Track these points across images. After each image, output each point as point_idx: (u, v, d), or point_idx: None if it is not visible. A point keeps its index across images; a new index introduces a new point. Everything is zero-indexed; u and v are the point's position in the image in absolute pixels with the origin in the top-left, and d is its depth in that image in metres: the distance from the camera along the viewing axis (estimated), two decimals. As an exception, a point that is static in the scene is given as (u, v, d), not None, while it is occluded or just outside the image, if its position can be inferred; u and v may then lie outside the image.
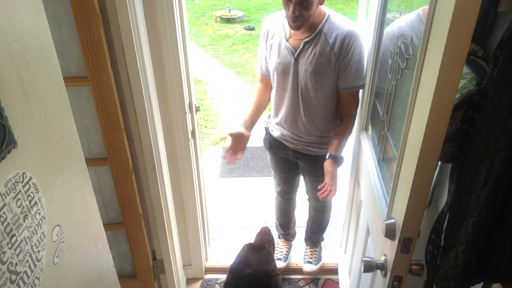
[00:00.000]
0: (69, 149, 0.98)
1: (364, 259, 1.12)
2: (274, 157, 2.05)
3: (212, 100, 5.04)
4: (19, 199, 0.76)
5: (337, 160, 1.78)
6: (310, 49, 1.62)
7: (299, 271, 2.31)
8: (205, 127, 4.34)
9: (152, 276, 1.94)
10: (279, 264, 2.25)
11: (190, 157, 1.94)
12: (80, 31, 1.33)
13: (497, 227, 0.77)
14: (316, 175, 1.92)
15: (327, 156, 1.79)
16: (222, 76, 5.83)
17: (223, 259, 2.41)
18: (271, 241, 1.81)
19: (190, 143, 1.91)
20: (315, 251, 2.33)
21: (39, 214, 0.82)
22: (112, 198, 1.71)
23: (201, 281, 2.31)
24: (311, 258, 2.31)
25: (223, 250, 2.49)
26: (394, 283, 0.99)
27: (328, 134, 1.80)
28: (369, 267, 1.10)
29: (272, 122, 1.92)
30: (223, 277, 2.30)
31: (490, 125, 0.74)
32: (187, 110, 1.82)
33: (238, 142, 1.84)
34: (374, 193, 1.38)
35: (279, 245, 2.37)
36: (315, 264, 2.28)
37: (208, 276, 2.34)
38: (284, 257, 2.33)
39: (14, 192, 0.74)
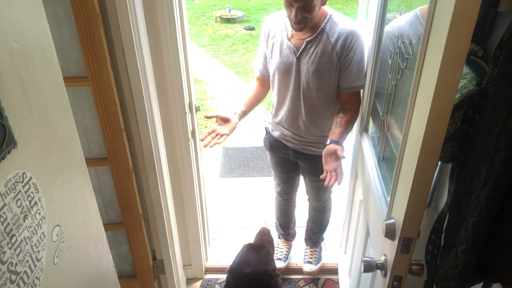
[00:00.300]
0: (69, 149, 0.98)
1: (364, 259, 1.11)
2: (274, 157, 2.05)
3: (212, 100, 5.04)
4: (19, 199, 0.76)
5: (336, 144, 1.66)
6: (312, 48, 1.62)
7: (299, 271, 2.31)
8: (205, 127, 4.33)
9: (152, 276, 1.94)
10: (279, 264, 2.25)
11: (190, 157, 1.94)
12: (80, 31, 1.33)
13: (497, 227, 0.77)
14: (316, 175, 1.91)
15: (327, 142, 1.67)
16: (222, 76, 5.83)
17: (223, 259, 2.41)
18: (270, 241, 1.81)
19: (190, 143, 1.91)
20: (315, 251, 2.33)
21: (39, 214, 0.82)
22: (112, 198, 1.71)
23: (201, 281, 2.31)
24: (311, 258, 2.31)
25: (223, 250, 2.49)
26: (394, 283, 0.99)
27: (328, 134, 1.80)
28: (369, 267, 1.10)
29: (273, 122, 1.92)
30: (223, 277, 2.30)
31: (490, 125, 0.74)
32: (187, 110, 1.82)
33: (224, 126, 1.72)
34: (374, 193, 1.38)
35: (279, 245, 2.37)
36: (315, 264, 2.28)
37: (208, 276, 2.34)
38: (284, 257, 2.33)
39: (14, 192, 0.74)
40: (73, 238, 0.97)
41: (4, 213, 0.71)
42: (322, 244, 2.42)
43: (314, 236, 2.32)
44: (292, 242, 2.43)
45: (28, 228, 0.78)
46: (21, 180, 0.76)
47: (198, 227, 2.16)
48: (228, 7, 8.43)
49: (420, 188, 0.87)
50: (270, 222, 2.54)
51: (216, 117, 1.73)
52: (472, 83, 0.88)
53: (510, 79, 0.71)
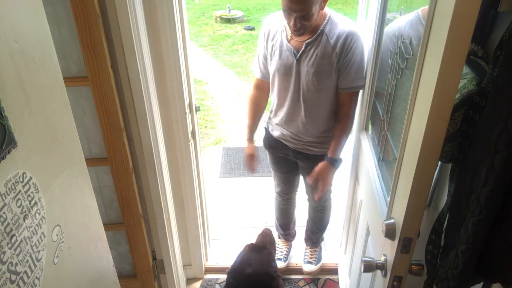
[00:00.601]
0: (69, 149, 0.98)
1: (364, 259, 1.11)
2: (273, 157, 2.05)
3: (212, 100, 5.04)
4: (19, 199, 0.76)
5: (332, 163, 1.79)
6: (312, 50, 1.62)
7: (299, 271, 2.31)
8: (205, 127, 4.34)
9: (152, 276, 1.94)
10: (279, 264, 2.25)
11: (190, 157, 1.94)
12: (80, 31, 1.33)
13: (497, 227, 0.77)
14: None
15: (326, 158, 1.80)
16: (222, 76, 5.83)
17: (223, 259, 2.41)
18: (272, 242, 1.81)
19: (190, 143, 1.91)
20: (315, 251, 2.33)
21: (39, 214, 0.82)
22: (112, 198, 1.71)
23: (201, 281, 2.31)
24: (311, 258, 2.31)
25: (223, 250, 2.49)
26: (394, 283, 0.99)
27: (328, 134, 1.80)
28: (369, 267, 1.10)
29: (272, 122, 1.92)
30: (223, 277, 2.30)
31: (490, 125, 0.74)
32: (187, 110, 1.82)
33: (252, 160, 2.04)
34: (374, 193, 1.38)
35: (279, 245, 2.37)
36: (315, 264, 2.28)
37: (208, 276, 2.34)
38: (284, 257, 2.33)
39: (14, 192, 0.74)
40: (73, 238, 0.97)
41: (4, 213, 0.71)
42: (322, 244, 2.42)
43: (314, 236, 2.32)
44: (292, 242, 2.43)
45: (28, 228, 0.78)
46: (21, 180, 0.76)
47: (198, 227, 2.16)
48: (228, 7, 8.43)
49: (420, 188, 0.87)
50: (270, 222, 2.54)
51: (247, 159, 2.04)
52: (472, 83, 0.88)
53: (510, 79, 0.70)
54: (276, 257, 2.22)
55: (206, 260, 2.40)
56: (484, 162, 0.74)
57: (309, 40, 1.61)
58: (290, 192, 2.22)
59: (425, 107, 0.79)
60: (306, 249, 2.36)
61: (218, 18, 8.34)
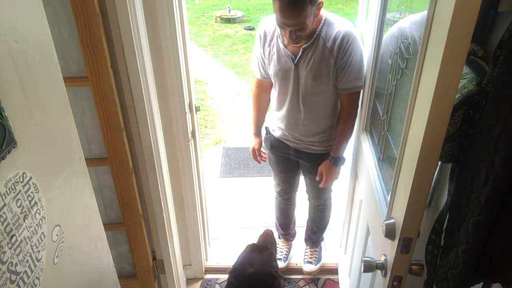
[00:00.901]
0: (69, 149, 0.98)
1: (364, 259, 1.11)
2: (274, 156, 2.05)
3: (212, 100, 5.04)
4: (19, 199, 0.76)
5: (334, 162, 1.80)
6: (310, 54, 1.61)
7: (299, 271, 2.31)
8: (205, 127, 4.34)
9: (152, 276, 1.94)
10: (279, 264, 2.25)
11: (190, 157, 1.94)
12: (80, 31, 1.33)
13: (497, 227, 0.77)
14: (316, 174, 1.92)
15: (328, 157, 1.81)
16: (222, 76, 5.83)
17: (223, 259, 2.41)
18: (273, 243, 1.81)
19: (190, 143, 1.91)
20: (315, 251, 2.33)
21: (39, 214, 0.82)
22: (112, 198, 1.71)
23: (201, 281, 2.31)
24: (311, 258, 2.31)
25: (223, 250, 2.49)
26: (394, 283, 0.99)
27: (329, 132, 1.80)
28: (369, 267, 1.10)
29: (273, 123, 1.92)
30: (223, 277, 2.30)
31: (490, 125, 0.74)
32: (187, 110, 1.82)
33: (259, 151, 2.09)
34: (374, 193, 1.38)
35: (279, 245, 2.37)
36: (315, 264, 2.28)
37: (208, 276, 2.34)
38: (284, 257, 2.33)
39: (14, 192, 0.74)
40: (73, 238, 0.97)
41: (4, 213, 0.71)
42: (322, 244, 2.42)
43: (314, 236, 2.32)
44: (292, 242, 2.43)
45: (28, 228, 0.78)
46: (21, 180, 0.76)
47: (198, 227, 2.16)
48: (228, 7, 8.43)
49: (420, 188, 0.87)
50: (270, 222, 2.54)
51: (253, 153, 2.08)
52: (472, 83, 0.88)
53: (510, 79, 0.71)
54: (276, 257, 2.22)
55: (206, 260, 2.40)
56: (484, 162, 0.74)
57: (306, 45, 1.61)
58: (290, 191, 2.22)
59: (425, 107, 0.79)
60: (306, 249, 2.36)
61: (218, 18, 8.34)
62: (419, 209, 0.90)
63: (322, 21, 1.60)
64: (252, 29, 7.78)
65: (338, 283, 2.22)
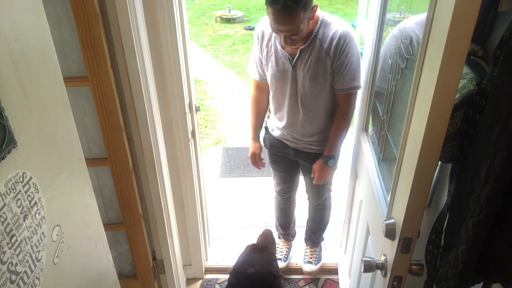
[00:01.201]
0: (69, 149, 0.98)
1: (364, 259, 1.11)
2: (274, 156, 2.05)
3: (212, 100, 5.04)
4: (19, 199, 0.76)
5: (325, 161, 1.81)
6: (307, 56, 1.62)
7: (299, 271, 2.31)
8: (205, 127, 4.34)
9: (152, 276, 1.94)
10: (279, 264, 2.25)
11: (190, 157, 1.94)
12: (80, 31, 1.33)
13: (497, 227, 0.77)
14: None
15: (322, 157, 1.82)
16: (222, 76, 5.83)
17: (223, 259, 2.41)
18: (273, 243, 1.81)
19: (190, 143, 1.91)
20: (315, 251, 2.33)
21: (39, 214, 0.82)
22: (112, 198, 1.71)
23: (201, 281, 2.31)
24: (311, 258, 2.31)
25: (223, 250, 2.49)
26: (394, 283, 0.99)
27: (328, 132, 1.80)
28: (369, 267, 1.10)
29: (272, 123, 1.92)
30: (223, 277, 2.30)
31: (490, 125, 0.74)
32: (187, 110, 1.82)
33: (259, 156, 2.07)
34: (374, 193, 1.38)
35: (279, 245, 2.37)
36: (315, 264, 2.28)
37: (208, 276, 2.34)
38: (284, 257, 2.33)
39: (14, 192, 0.74)
40: (73, 238, 0.97)
41: (4, 213, 0.71)
42: (322, 244, 2.42)
43: (314, 236, 2.31)
44: (292, 242, 2.43)
45: (28, 228, 0.78)
46: (21, 180, 0.76)
47: (198, 227, 2.16)
48: (228, 7, 8.42)
49: (420, 188, 0.87)
50: (270, 222, 2.54)
51: (251, 159, 2.06)
52: (472, 83, 0.88)
53: (510, 79, 0.70)
54: (276, 257, 2.22)
55: (206, 260, 2.40)
56: (484, 162, 0.74)
57: (303, 47, 1.61)
58: (290, 191, 2.21)
59: (425, 107, 0.79)
60: (306, 249, 2.36)
61: (218, 18, 8.34)
62: (419, 209, 0.90)
63: (319, 22, 1.60)
64: (252, 29, 7.78)
65: (338, 283, 2.22)
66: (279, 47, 1.66)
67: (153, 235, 1.88)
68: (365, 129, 1.77)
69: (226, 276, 1.66)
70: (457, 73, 0.73)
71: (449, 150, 0.92)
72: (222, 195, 3.07)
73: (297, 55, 1.62)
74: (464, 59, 0.72)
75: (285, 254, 2.34)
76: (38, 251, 0.82)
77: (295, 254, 2.40)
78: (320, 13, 1.61)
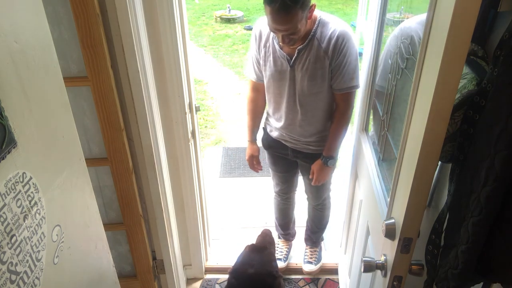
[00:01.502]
0: (69, 149, 0.98)
1: (364, 259, 1.11)
2: (272, 156, 2.05)
3: (212, 100, 5.04)
4: (19, 199, 0.75)
5: (325, 161, 1.81)
6: (305, 56, 1.62)
7: (299, 271, 2.31)
8: (205, 127, 4.34)
9: (152, 276, 1.94)
10: (279, 264, 2.25)
11: (190, 157, 1.94)
12: (80, 31, 1.33)
13: (497, 227, 0.77)
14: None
15: (321, 157, 1.82)
16: (222, 76, 5.83)
17: (223, 259, 2.41)
18: (272, 243, 1.81)
19: (190, 143, 1.91)
20: (315, 251, 2.33)
21: (39, 214, 0.82)
22: (112, 198, 1.71)
23: (201, 281, 2.31)
24: (311, 258, 2.31)
25: (223, 250, 2.49)
26: (394, 283, 0.99)
27: (327, 132, 1.80)
28: (369, 267, 1.10)
29: (270, 123, 1.92)
30: (223, 277, 2.30)
31: (490, 125, 0.74)
32: (187, 110, 1.82)
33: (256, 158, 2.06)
34: (374, 193, 1.38)
35: (279, 245, 2.37)
36: (315, 264, 2.28)
37: (208, 276, 2.34)
38: (284, 257, 2.33)
39: (14, 192, 0.74)
40: (73, 238, 0.97)
41: (4, 213, 0.71)
42: (322, 244, 2.42)
43: (314, 236, 2.31)
44: (292, 242, 2.43)
45: (28, 228, 0.78)
46: (21, 180, 0.76)
47: (198, 227, 2.16)
48: (228, 7, 8.43)
49: (420, 188, 0.87)
50: (270, 222, 2.54)
51: (249, 161, 2.06)
52: (472, 83, 0.88)
53: (510, 79, 0.70)
54: (276, 257, 2.22)
55: (206, 260, 2.40)
56: (484, 162, 0.74)
57: (301, 47, 1.61)
58: (289, 191, 2.21)
59: (425, 107, 0.79)
60: (306, 249, 2.36)
61: (218, 18, 8.34)
62: (419, 209, 0.90)
63: (317, 22, 1.60)
64: (252, 29, 7.78)
65: (338, 283, 2.22)
66: (277, 47, 1.66)
67: (153, 235, 1.88)
68: (365, 129, 1.77)
69: (226, 276, 1.66)
70: (457, 73, 0.73)
71: (449, 150, 0.92)
72: (222, 195, 3.07)
73: (295, 55, 1.62)
74: (464, 59, 0.72)
75: (285, 254, 2.34)
76: (38, 251, 0.82)
77: (295, 254, 2.40)
78: (317, 13, 1.61)
